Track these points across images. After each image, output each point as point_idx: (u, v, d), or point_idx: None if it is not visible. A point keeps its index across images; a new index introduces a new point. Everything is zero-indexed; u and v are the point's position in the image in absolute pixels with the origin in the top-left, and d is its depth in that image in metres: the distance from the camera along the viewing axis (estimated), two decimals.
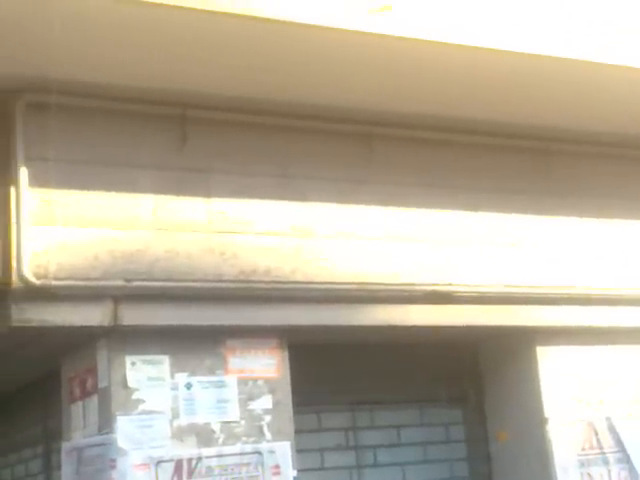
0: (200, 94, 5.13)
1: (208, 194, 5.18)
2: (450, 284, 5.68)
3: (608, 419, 6.13)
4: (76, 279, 4.77)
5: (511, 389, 6.21)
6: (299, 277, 5.31)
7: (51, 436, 6.77)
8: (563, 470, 5.90)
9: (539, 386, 6.01)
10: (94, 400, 5.05)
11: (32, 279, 4.64)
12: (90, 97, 4.91)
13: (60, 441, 5.54)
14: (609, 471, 6.06)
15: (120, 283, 4.86)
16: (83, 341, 5.07)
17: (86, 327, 4.83)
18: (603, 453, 6.08)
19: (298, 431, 5.34)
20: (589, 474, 5.98)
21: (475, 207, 5.94)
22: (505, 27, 5.11)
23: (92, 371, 5.06)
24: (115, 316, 4.85)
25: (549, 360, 6.07)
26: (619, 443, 6.14)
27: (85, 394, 5.16)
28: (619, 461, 6.12)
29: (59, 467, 5.66)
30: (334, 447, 6.01)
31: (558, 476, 5.87)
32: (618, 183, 6.42)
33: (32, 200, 4.74)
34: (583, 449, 6.02)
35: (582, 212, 6.26)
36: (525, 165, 6.17)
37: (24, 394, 7.10)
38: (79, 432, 5.21)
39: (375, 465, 6.11)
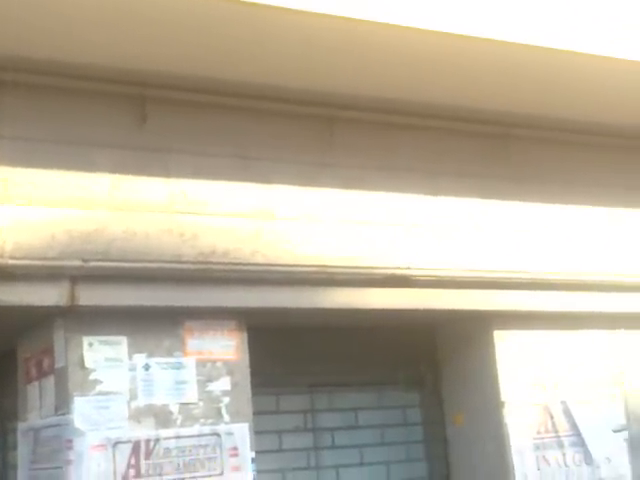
0: (160, 73, 5.07)
1: (168, 174, 5.15)
2: (409, 268, 5.70)
3: (563, 403, 6.21)
4: (33, 258, 4.73)
5: (468, 373, 6.26)
6: (259, 259, 5.31)
7: (6, 416, 6.71)
8: (519, 453, 5.97)
9: (496, 370, 6.06)
10: (51, 381, 5.02)
11: None
12: (48, 74, 4.84)
13: (16, 421, 5.51)
14: (564, 454, 6.14)
15: (77, 263, 4.82)
16: (40, 321, 5.03)
17: (43, 307, 4.80)
18: (558, 437, 6.16)
19: (256, 413, 5.34)
20: (544, 457, 6.06)
21: (435, 191, 5.96)
22: (467, 12, 5.12)
23: (49, 351, 5.03)
24: (72, 296, 4.82)
25: (506, 344, 6.12)
26: (574, 427, 6.21)
27: (41, 374, 5.13)
28: (574, 444, 6.19)
29: (15, 447, 5.62)
30: (292, 429, 6.04)
31: (514, 459, 5.93)
32: (579, 169, 6.47)
33: None
34: (539, 432, 6.09)
35: (542, 197, 6.30)
36: (485, 150, 6.20)
37: None
38: (35, 413, 5.18)
39: (333, 447, 6.15)
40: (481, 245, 6.04)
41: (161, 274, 5.02)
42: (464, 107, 5.96)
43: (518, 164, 6.27)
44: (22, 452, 5.31)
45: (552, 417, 6.16)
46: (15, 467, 5.68)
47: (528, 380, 6.12)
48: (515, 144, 6.30)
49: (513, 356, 6.12)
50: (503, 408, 6.00)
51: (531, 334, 6.20)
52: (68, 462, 4.78)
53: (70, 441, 4.80)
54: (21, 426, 5.33)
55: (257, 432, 5.32)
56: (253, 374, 5.32)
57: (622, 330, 6.55)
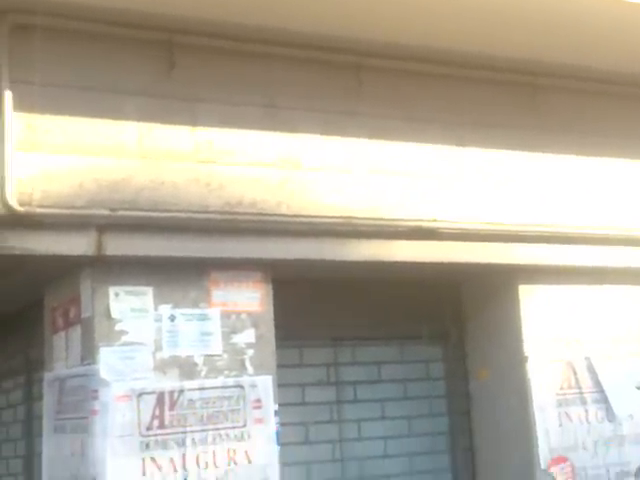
0: (189, 19, 5.10)
1: (194, 123, 5.18)
2: (435, 220, 5.75)
3: (587, 359, 6.28)
4: (61, 207, 4.79)
5: (492, 327, 6.35)
6: (284, 210, 5.36)
7: (33, 367, 6.78)
8: (541, 409, 6.06)
9: (520, 325, 6.14)
10: (77, 330, 5.10)
11: (16, 206, 4.66)
12: (77, 19, 4.87)
13: (42, 372, 5.59)
14: (586, 411, 6.23)
15: (105, 212, 4.88)
16: (67, 271, 5.10)
17: (70, 256, 4.86)
18: (581, 393, 6.24)
19: (280, 366, 5.41)
20: (567, 413, 6.15)
21: (461, 142, 5.99)
22: None
23: (75, 301, 5.10)
24: (99, 246, 4.88)
25: (531, 299, 6.19)
26: (597, 383, 6.29)
27: (68, 324, 5.21)
28: (596, 401, 6.28)
29: (41, 398, 5.71)
30: (315, 382, 6.12)
31: (536, 415, 6.03)
32: (607, 120, 6.47)
33: (17, 125, 4.72)
34: (562, 388, 6.17)
35: (569, 149, 6.32)
36: (512, 100, 6.20)
37: (6, 324, 7.10)
38: (61, 362, 5.26)
39: (355, 401, 6.24)
40: (507, 197, 6.08)
41: (188, 224, 5.08)
42: (492, 56, 5.95)
43: (546, 114, 6.26)
44: (48, 402, 5.40)
45: (575, 373, 6.24)
46: (40, 417, 5.76)
47: (552, 336, 6.19)
48: (542, 94, 6.28)
49: (538, 311, 6.19)
50: (526, 363, 6.08)
51: (556, 289, 6.26)
52: (93, 412, 4.87)
53: (96, 391, 4.87)
54: (47, 376, 5.41)
55: (280, 385, 5.39)
56: (277, 327, 5.39)
57: None
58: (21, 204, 4.69)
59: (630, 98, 6.64)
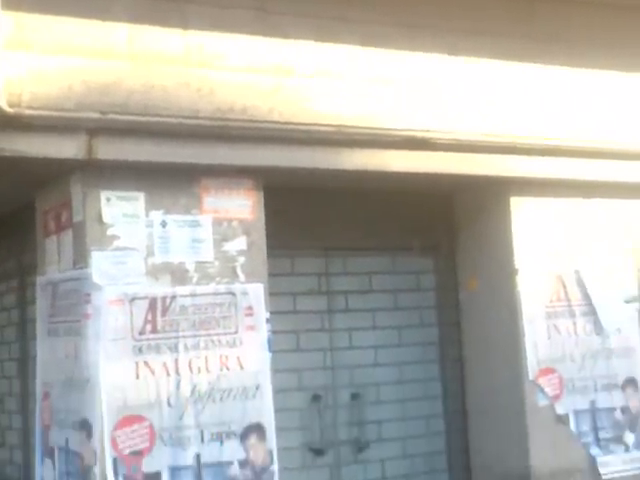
0: None
1: (185, 25, 5.11)
2: (428, 130, 5.72)
3: (577, 272, 6.34)
4: (50, 109, 4.74)
5: (484, 240, 6.39)
6: (276, 117, 5.32)
7: (25, 271, 6.81)
8: (530, 321, 6.14)
9: (511, 237, 6.19)
10: (69, 235, 5.11)
11: (5, 107, 4.59)
12: None
13: (35, 275, 5.62)
14: (575, 324, 6.31)
15: (95, 115, 4.84)
16: (58, 174, 5.08)
17: (60, 159, 4.84)
18: (570, 306, 6.31)
19: (271, 274, 5.46)
20: (555, 326, 6.23)
21: (454, 50, 5.92)
22: None
23: (67, 205, 5.11)
24: (90, 149, 4.85)
25: (522, 211, 6.23)
26: (586, 296, 6.36)
27: (60, 228, 5.22)
28: (585, 314, 6.35)
29: (34, 301, 5.75)
30: (306, 291, 6.18)
31: (525, 327, 6.11)
32: (604, 31, 6.39)
33: (6, 23, 4.62)
34: (551, 301, 6.24)
35: (564, 60, 6.25)
36: (508, 7, 6.11)
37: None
38: (54, 266, 5.29)
39: (346, 310, 6.31)
40: (501, 109, 6.04)
41: (179, 130, 5.05)
42: None
43: (542, 23, 6.20)
44: (41, 306, 5.45)
45: (565, 286, 6.30)
46: (34, 321, 5.81)
47: (543, 249, 6.23)
48: (540, 2, 6.20)
49: (529, 224, 6.23)
50: (516, 276, 6.14)
51: (547, 202, 6.29)
52: (86, 316, 4.92)
53: (88, 295, 4.92)
54: (40, 280, 5.44)
55: (272, 293, 5.44)
56: (268, 236, 5.41)
57: (638, 200, 6.66)
58: (10, 105, 4.62)
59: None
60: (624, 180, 6.47)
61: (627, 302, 6.53)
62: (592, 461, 6.21)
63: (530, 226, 6.25)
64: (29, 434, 6.89)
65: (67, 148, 4.82)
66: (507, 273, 6.20)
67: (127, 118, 4.93)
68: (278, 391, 5.40)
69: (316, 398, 6.13)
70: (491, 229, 6.35)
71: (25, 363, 7.03)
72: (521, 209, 6.26)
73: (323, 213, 6.12)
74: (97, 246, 4.95)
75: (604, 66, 6.43)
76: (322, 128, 5.42)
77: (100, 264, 4.94)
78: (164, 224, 5.14)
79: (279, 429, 5.35)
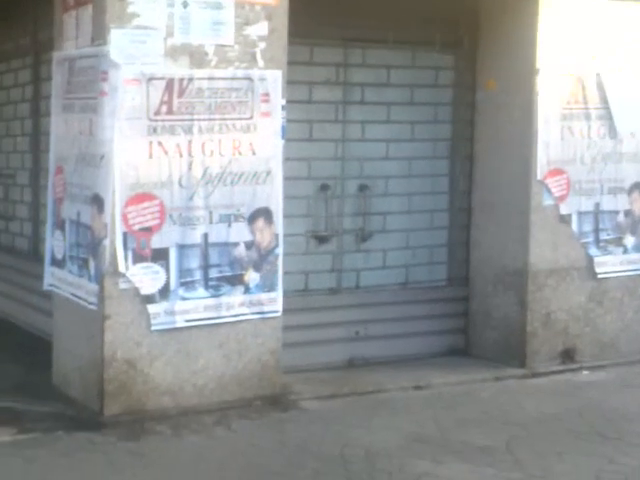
0: None
1: None
2: None
3: (598, 75, 6.26)
4: None
5: (507, 39, 6.26)
6: None
7: (41, 48, 6.80)
8: (545, 122, 6.12)
9: (536, 36, 6.07)
10: (88, 10, 5.03)
11: None
12: None
13: (51, 53, 5.57)
14: (589, 127, 6.30)
15: None
16: None
17: None
18: (587, 109, 6.28)
19: (290, 62, 5.42)
20: (569, 128, 6.22)
21: None
22: None
23: None
24: None
25: (551, 10, 6.06)
26: (604, 100, 6.31)
27: (79, 3, 5.13)
28: (601, 117, 6.33)
29: (48, 78, 5.75)
30: (323, 82, 6.13)
31: (539, 127, 6.10)
32: None
33: None
34: (568, 103, 6.20)
35: None
36: None
37: (11, 5, 6.99)
38: (71, 42, 5.24)
39: (362, 102, 6.28)
40: None
41: None
42: None
43: None
44: (57, 82, 5.43)
45: (584, 88, 6.24)
46: (48, 97, 5.85)
47: (566, 50, 6.13)
48: None
49: (555, 24, 6.09)
50: (537, 76, 6.07)
51: (577, 2, 6.11)
52: (103, 93, 4.92)
53: (105, 73, 4.90)
54: (57, 55, 5.41)
55: (289, 82, 5.42)
56: (290, 22, 5.31)
57: None
58: None
59: None
60: None
61: None
62: (589, 261, 6.34)
63: (556, 27, 6.11)
64: (39, 208, 7.10)
65: None
66: (527, 73, 6.13)
67: None
68: (288, 179, 5.48)
69: (324, 187, 6.19)
70: (517, 28, 6.20)
71: (37, 139, 7.14)
72: (550, 8, 6.07)
73: (346, 3, 5.95)
74: (117, 23, 4.89)
75: None
76: None
77: (119, 42, 4.89)
78: (185, 4, 5.05)
79: (286, 216, 5.48)
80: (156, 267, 5.08)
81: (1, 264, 7.74)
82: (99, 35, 4.94)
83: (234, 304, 5.29)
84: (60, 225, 5.47)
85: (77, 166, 5.24)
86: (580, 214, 6.31)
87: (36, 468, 4.49)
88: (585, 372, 6.21)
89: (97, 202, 5.03)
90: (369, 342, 6.22)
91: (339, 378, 5.87)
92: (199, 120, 5.11)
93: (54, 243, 5.55)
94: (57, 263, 5.50)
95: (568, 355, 6.29)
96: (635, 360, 6.43)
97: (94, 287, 5.06)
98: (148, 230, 5.06)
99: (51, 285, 5.59)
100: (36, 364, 5.90)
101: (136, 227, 5.03)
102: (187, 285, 5.16)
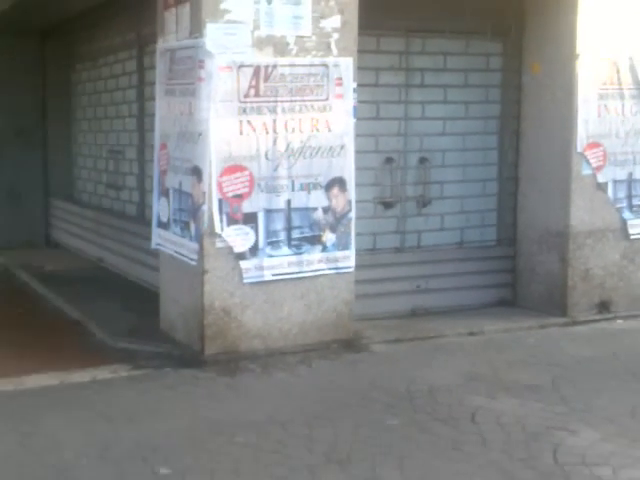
0: None
1: None
2: None
3: (630, 59, 6.10)
4: None
5: (550, 27, 6.12)
6: None
7: (144, 41, 6.91)
8: (584, 101, 5.99)
9: (576, 25, 5.92)
10: (186, 7, 5.07)
11: None
12: None
13: (153, 45, 5.64)
14: (623, 105, 6.15)
15: None
16: None
17: None
18: (621, 89, 6.13)
19: (359, 51, 5.38)
20: (606, 106, 6.08)
21: None
22: None
23: None
24: None
25: (588, 1, 5.90)
26: (636, 81, 6.15)
27: (178, 1, 5.16)
28: (633, 97, 6.18)
29: (151, 67, 5.82)
30: (388, 67, 6.08)
31: (579, 106, 5.97)
32: None
33: None
34: (604, 84, 6.06)
35: None
36: None
37: (118, 3, 7.09)
38: (172, 35, 5.27)
39: (421, 85, 6.22)
40: None
41: None
42: None
43: None
44: (160, 70, 5.47)
45: (618, 71, 6.08)
46: (151, 84, 5.92)
47: (602, 37, 5.96)
48: None
49: (592, 14, 5.92)
50: (577, 60, 5.92)
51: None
52: (200, 79, 4.95)
53: (202, 61, 4.93)
54: (159, 47, 5.44)
55: (359, 68, 5.39)
56: (359, 16, 5.26)
57: None
58: None
59: None
60: None
61: None
62: (623, 223, 6.23)
63: (594, 16, 5.95)
64: (144, 179, 7.20)
65: None
66: (568, 58, 5.98)
67: None
68: (358, 152, 5.45)
69: (389, 160, 6.15)
70: (558, 17, 6.05)
71: (142, 120, 7.25)
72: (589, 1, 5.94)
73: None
74: (211, 18, 4.91)
75: None
76: None
77: (213, 34, 4.91)
78: (270, 1, 5.04)
79: (357, 185, 5.45)
80: (246, 229, 5.11)
81: (114, 227, 7.87)
82: (196, 29, 4.96)
83: (313, 261, 5.30)
84: (165, 193, 5.51)
85: (178, 142, 5.26)
86: (615, 182, 6.19)
87: (148, 398, 4.58)
88: (619, 321, 6.10)
89: (196, 173, 5.07)
90: (429, 294, 6.19)
91: (403, 325, 5.86)
92: (282, 102, 5.10)
93: (160, 208, 5.59)
94: (162, 225, 5.56)
95: (604, 306, 6.18)
96: None
97: (194, 246, 5.11)
98: (239, 197, 5.08)
99: (158, 244, 5.65)
100: (145, 312, 5.98)
101: (229, 194, 5.05)
102: (273, 244, 5.18)
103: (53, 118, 9.27)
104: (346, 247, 5.38)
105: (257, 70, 5.03)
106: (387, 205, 6.18)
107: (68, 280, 7.47)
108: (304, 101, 5.16)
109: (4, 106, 8.97)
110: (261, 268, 5.16)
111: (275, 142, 5.12)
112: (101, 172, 8.53)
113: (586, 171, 6.07)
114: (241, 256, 5.10)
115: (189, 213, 5.19)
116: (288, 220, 5.22)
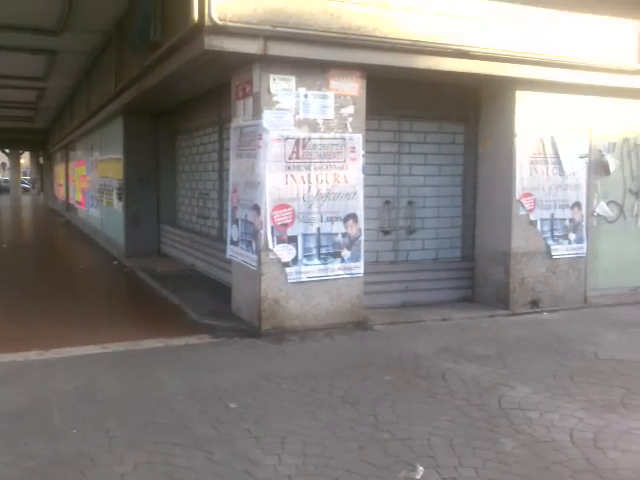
0: None
1: None
2: (469, 46, 5.41)
3: (552, 137, 6.09)
4: (242, 22, 4.68)
5: (497, 114, 6.14)
6: (377, 33, 5.12)
7: (222, 121, 7.01)
8: (520, 165, 5.99)
9: (514, 114, 5.95)
10: (250, 99, 5.15)
11: (217, 20, 4.60)
12: None
13: (229, 124, 5.70)
14: (547, 168, 6.12)
15: (268, 27, 4.76)
16: (245, 63, 5.06)
17: (248, 54, 4.83)
18: (545, 157, 6.10)
19: (367, 129, 5.44)
20: (535, 169, 6.06)
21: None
22: None
23: (249, 82, 5.11)
24: (265, 48, 4.81)
25: (522, 99, 5.96)
26: (556, 152, 6.13)
27: (245, 95, 5.24)
28: (554, 162, 6.15)
29: (227, 139, 5.84)
30: (386, 140, 6.10)
31: (516, 168, 5.98)
32: None
33: None
34: (534, 154, 6.04)
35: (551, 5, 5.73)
36: None
37: (206, 96, 7.23)
38: (240, 117, 5.34)
39: (409, 153, 6.21)
40: (512, 34, 5.61)
41: (318, 38, 4.90)
42: None
43: None
44: (233, 141, 5.53)
45: (543, 145, 6.07)
46: (227, 149, 5.93)
47: (532, 122, 5.98)
48: None
49: (525, 107, 5.96)
50: (515, 137, 5.94)
51: (538, 94, 5.98)
52: (259, 147, 5.02)
53: (260, 135, 5.00)
54: (233, 125, 5.51)
55: (367, 140, 5.44)
56: (367, 106, 5.32)
57: (594, 96, 6.26)
58: (220, 19, 4.61)
59: None
60: (588, 83, 6.04)
61: (581, 157, 6.27)
62: (548, 247, 6.16)
63: (526, 109, 5.98)
64: (222, 212, 7.21)
65: (252, 47, 4.79)
66: (509, 136, 6.00)
67: (287, 30, 4.82)
68: (366, 197, 5.47)
69: (387, 202, 6.14)
70: (502, 108, 6.07)
71: (221, 173, 7.31)
72: (522, 97, 5.96)
73: (400, 94, 5.94)
74: (267, 106, 4.99)
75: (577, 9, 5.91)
76: (404, 41, 5.19)
77: (268, 117, 4.99)
78: (306, 96, 5.11)
79: (365, 218, 5.47)
80: (290, 246, 5.13)
81: (202, 243, 7.92)
82: (257, 113, 5.03)
83: (335, 269, 5.29)
84: (235, 222, 5.55)
85: (245, 188, 5.32)
86: (542, 220, 6.14)
87: (224, 357, 4.60)
88: (545, 314, 6.01)
89: (256, 209, 5.12)
90: (414, 292, 6.14)
91: (396, 313, 5.82)
92: (314, 162, 5.15)
93: (232, 232, 5.63)
94: (234, 243, 5.59)
95: (534, 303, 6.10)
96: (575, 307, 6.20)
97: (255, 257, 5.14)
98: (285, 225, 5.11)
99: (231, 255, 5.68)
100: (223, 299, 6.01)
101: (279, 223, 5.09)
102: (308, 257, 5.19)
103: (163, 171, 9.42)
104: (357, 260, 5.39)
105: (297, 141, 5.09)
106: (386, 232, 6.16)
107: (171, 278, 7.54)
108: (329, 162, 5.21)
109: (133, 163, 9.26)
110: (299, 273, 5.17)
111: (309, 189, 5.16)
112: (194, 207, 8.62)
113: (522, 212, 6.04)
114: (286, 264, 5.12)
115: (251, 235, 5.23)
116: (318, 241, 5.23)
